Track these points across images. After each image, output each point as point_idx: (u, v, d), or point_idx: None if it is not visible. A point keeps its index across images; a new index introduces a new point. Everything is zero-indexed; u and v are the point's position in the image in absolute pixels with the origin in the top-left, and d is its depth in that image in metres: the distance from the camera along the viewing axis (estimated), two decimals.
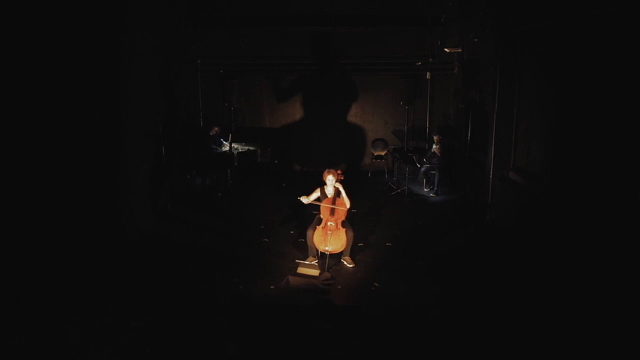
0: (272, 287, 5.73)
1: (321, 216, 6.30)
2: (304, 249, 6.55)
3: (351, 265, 6.27)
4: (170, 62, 8.54)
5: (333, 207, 6.20)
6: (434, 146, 9.27)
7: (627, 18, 4.70)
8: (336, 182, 6.31)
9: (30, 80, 4.86)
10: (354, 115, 10.89)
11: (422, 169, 9.42)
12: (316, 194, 6.41)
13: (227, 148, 9.04)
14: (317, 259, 6.29)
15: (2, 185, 4.61)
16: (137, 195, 7.27)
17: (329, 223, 6.18)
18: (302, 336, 3.85)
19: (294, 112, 10.83)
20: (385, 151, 10.60)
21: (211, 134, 9.30)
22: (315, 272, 5.95)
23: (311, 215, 6.59)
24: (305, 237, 6.44)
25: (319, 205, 6.33)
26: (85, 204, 5.75)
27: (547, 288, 5.38)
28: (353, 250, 6.43)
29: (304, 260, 6.33)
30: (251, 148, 9.25)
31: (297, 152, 10.79)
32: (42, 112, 5.05)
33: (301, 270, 6.02)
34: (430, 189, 9.42)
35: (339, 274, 6.10)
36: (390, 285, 5.77)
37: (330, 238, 6.11)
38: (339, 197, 6.29)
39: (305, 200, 6.39)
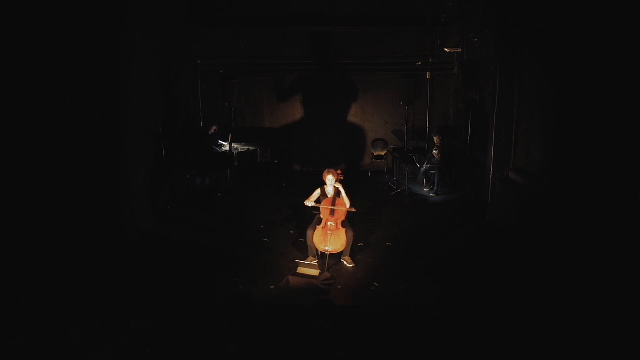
0: (272, 287, 5.73)
1: (321, 216, 6.30)
2: (304, 249, 6.55)
3: (351, 265, 6.27)
4: (170, 62, 8.54)
5: (334, 208, 6.20)
6: (434, 151, 9.28)
7: (627, 18, 4.70)
8: (336, 182, 6.31)
9: (30, 80, 4.86)
10: (354, 115, 10.88)
11: (422, 169, 9.44)
12: (317, 194, 6.42)
13: (227, 148, 9.05)
14: (317, 259, 6.29)
15: (2, 185, 4.60)
16: (137, 195, 7.27)
17: (329, 223, 6.17)
18: (302, 336, 3.85)
19: (294, 112, 10.83)
20: (385, 151, 10.60)
21: (210, 132, 9.31)
22: (315, 272, 5.95)
23: (311, 215, 6.59)
24: (305, 237, 6.44)
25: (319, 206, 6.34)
26: (85, 204, 5.75)
27: (547, 288, 5.38)
28: (353, 250, 6.43)
29: (304, 260, 6.33)
30: (251, 148, 9.24)
31: (297, 152, 10.78)
32: (42, 112, 5.05)
33: (301, 270, 6.02)
34: (430, 189, 9.42)
35: (339, 274, 6.10)
36: (390, 285, 5.77)
37: (330, 238, 6.11)
38: (339, 197, 6.29)
39: (309, 204, 6.39)
